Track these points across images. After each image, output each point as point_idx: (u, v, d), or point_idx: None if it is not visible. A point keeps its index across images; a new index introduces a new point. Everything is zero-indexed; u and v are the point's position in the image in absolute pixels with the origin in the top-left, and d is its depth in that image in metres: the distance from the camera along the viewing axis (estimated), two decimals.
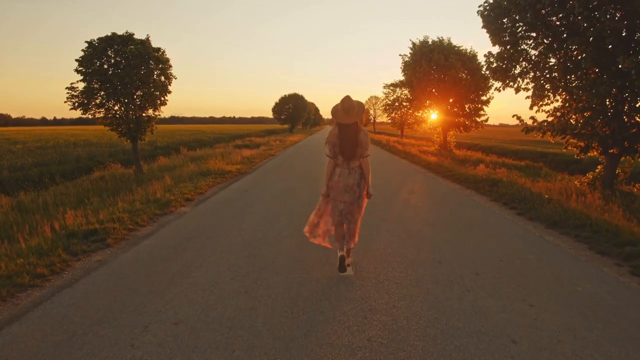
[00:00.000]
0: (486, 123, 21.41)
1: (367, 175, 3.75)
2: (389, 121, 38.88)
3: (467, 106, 20.81)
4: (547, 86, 10.86)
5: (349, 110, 3.59)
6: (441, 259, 4.24)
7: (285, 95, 64.32)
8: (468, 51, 20.56)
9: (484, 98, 20.58)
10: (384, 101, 39.49)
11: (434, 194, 8.19)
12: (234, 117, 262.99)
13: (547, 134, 10.88)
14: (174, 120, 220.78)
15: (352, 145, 3.62)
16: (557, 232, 5.40)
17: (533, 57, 11.02)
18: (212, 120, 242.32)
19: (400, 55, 22.15)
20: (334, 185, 3.74)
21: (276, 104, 64.00)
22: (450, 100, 20.92)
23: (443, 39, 21.00)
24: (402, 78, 24.58)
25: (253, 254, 4.45)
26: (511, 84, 11.56)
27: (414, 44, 21.57)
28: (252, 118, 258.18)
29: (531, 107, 11.31)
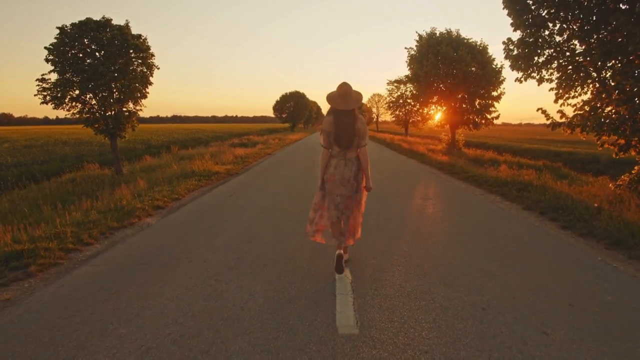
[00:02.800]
0: (496, 120, 20.11)
1: (365, 167, 3.49)
2: (393, 119, 37.53)
3: (477, 102, 19.48)
4: (575, 76, 9.62)
5: (346, 96, 3.34)
6: (485, 303, 2.94)
7: (286, 94, 62.97)
8: (478, 43, 19.24)
9: (494, 94, 19.26)
10: (388, 98, 38.13)
11: (454, 201, 6.89)
12: (236, 116, 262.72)
13: (576, 131, 9.61)
14: (176, 119, 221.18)
15: (349, 134, 3.36)
16: (624, 256, 4.10)
17: (560, 42, 9.75)
18: (214, 119, 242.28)
19: (405, 48, 20.87)
20: (329, 178, 3.47)
21: (277, 102, 62.65)
22: (459, 96, 19.61)
23: (451, 31, 19.70)
24: (406, 74, 23.24)
25: (217, 293, 3.17)
26: (534, 74, 10.27)
27: (420, 36, 20.27)
28: (254, 117, 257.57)
29: (556, 101, 10.04)
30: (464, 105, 19.64)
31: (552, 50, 9.87)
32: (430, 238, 4.58)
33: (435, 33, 19.75)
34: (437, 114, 21.71)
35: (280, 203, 6.63)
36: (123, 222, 5.44)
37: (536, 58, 10.02)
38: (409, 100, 33.83)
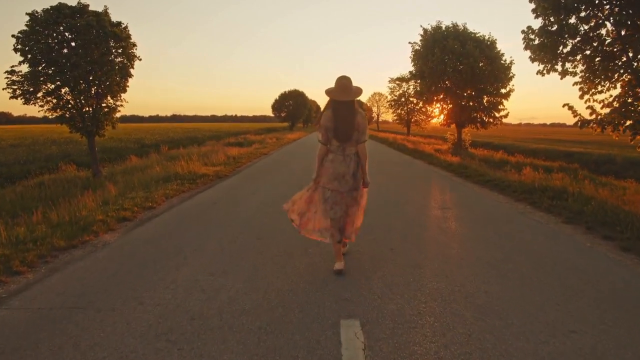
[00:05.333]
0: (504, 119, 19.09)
1: (363, 162, 3.39)
2: (395, 118, 36.40)
3: (485, 99, 18.42)
4: (606, 67, 8.66)
5: (345, 88, 3.25)
6: None
7: (285, 92, 61.63)
8: (486, 38, 18.19)
9: (503, 91, 18.20)
10: (389, 97, 36.98)
11: (477, 211, 5.83)
12: (236, 115, 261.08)
13: (607, 129, 8.62)
14: (175, 118, 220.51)
15: (348, 128, 3.25)
16: None
17: (587, 31, 8.75)
18: (213, 118, 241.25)
19: (409, 43, 19.76)
20: (323, 171, 3.35)
21: (276, 100, 61.31)
22: (466, 93, 18.56)
23: (458, 25, 18.65)
24: (410, 70, 22.04)
25: None
26: (557, 66, 9.24)
27: (425, 30, 19.18)
28: (254, 116, 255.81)
29: (582, 96, 9.02)
30: (471, 103, 18.59)
31: (577, 40, 8.87)
32: (462, 267, 3.51)
33: (441, 27, 18.68)
34: (442, 112, 20.61)
35: (272, 214, 5.57)
36: (74, 239, 4.36)
37: (561, 48, 9.01)
38: (411, 99, 32.78)
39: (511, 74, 18.02)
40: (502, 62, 17.78)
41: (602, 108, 8.73)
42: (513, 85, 18.11)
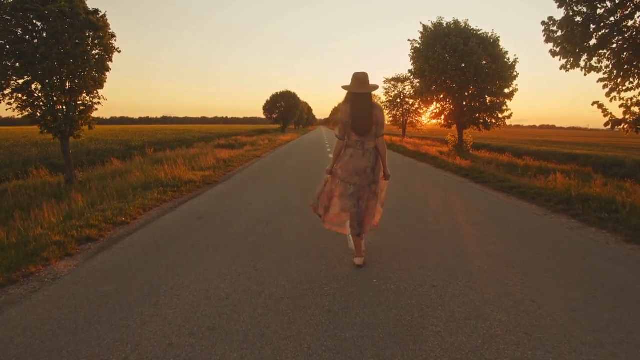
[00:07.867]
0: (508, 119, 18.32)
1: (383, 156, 3.39)
2: (390, 120, 35.45)
3: (488, 99, 17.61)
4: (628, 60, 7.93)
5: (363, 81, 3.26)
6: None
7: (277, 93, 60.57)
8: (489, 35, 17.41)
9: (506, 90, 17.42)
10: (384, 98, 36.00)
11: (515, 227, 4.88)
12: (227, 117, 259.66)
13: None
14: (166, 120, 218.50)
15: (366, 121, 3.25)
16: None
17: (617, 21, 7.97)
18: (204, 120, 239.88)
19: (409, 40, 18.87)
20: (343, 166, 3.34)
21: (267, 102, 60.20)
22: (466, 94, 17.75)
23: (459, 22, 17.84)
24: (409, 69, 21.10)
25: None
26: (584, 59, 8.40)
27: (425, 27, 18.30)
28: (245, 118, 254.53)
29: (608, 94, 8.22)
30: (473, 103, 17.77)
31: (603, 32, 8.06)
32: (542, 317, 2.55)
33: (442, 23, 17.84)
34: (442, 113, 19.73)
35: (270, 235, 4.58)
36: (15, 271, 3.34)
37: (587, 41, 8.19)
38: (407, 100, 31.95)
39: (515, 73, 17.27)
40: (506, 60, 17.03)
41: (631, 107, 7.96)
42: (517, 84, 17.38)
